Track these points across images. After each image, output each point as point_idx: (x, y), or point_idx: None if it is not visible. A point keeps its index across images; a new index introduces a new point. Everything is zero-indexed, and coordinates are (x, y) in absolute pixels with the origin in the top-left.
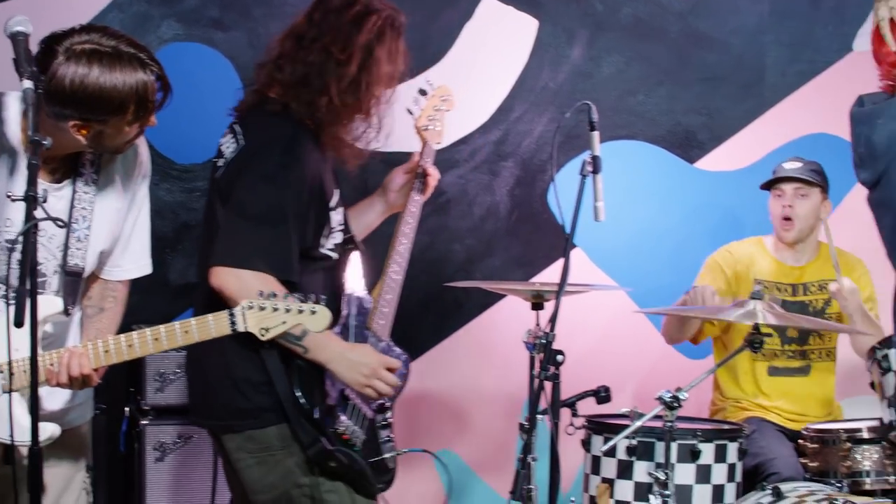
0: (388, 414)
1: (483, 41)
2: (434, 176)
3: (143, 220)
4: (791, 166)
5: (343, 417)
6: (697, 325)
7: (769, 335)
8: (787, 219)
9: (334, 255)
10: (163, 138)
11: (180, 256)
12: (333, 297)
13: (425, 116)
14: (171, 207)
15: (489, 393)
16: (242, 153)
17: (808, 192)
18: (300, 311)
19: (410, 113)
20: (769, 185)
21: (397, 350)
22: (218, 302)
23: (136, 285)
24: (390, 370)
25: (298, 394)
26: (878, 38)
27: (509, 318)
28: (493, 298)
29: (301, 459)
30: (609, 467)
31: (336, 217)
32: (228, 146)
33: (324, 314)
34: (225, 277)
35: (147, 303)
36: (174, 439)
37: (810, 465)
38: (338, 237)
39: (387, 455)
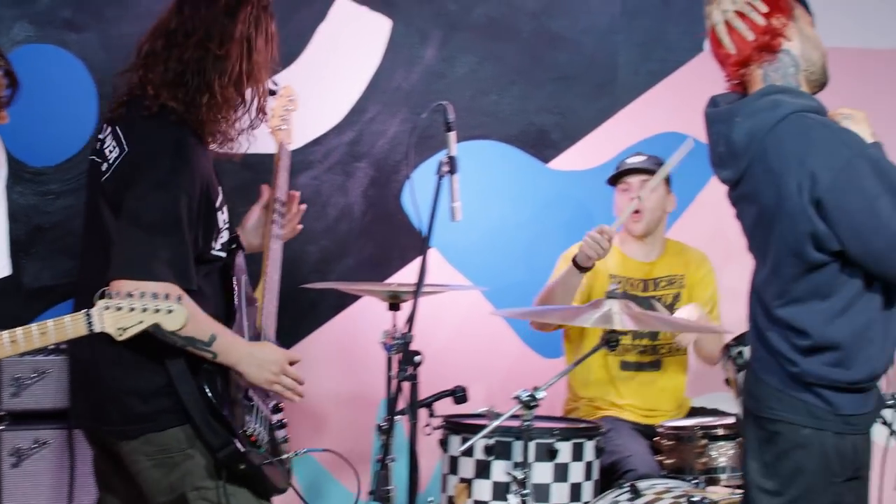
0: (281, 414)
1: (336, 42)
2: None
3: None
4: (634, 160)
5: (248, 418)
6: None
7: (624, 333)
8: (636, 211)
9: (224, 255)
10: (15, 140)
11: (34, 260)
12: (227, 297)
13: (277, 117)
14: (25, 210)
15: (345, 394)
16: (128, 160)
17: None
18: (157, 310)
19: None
20: (615, 180)
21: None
22: None
23: None
24: (292, 363)
25: (209, 395)
26: (715, 41)
27: (365, 319)
28: (348, 300)
29: (204, 462)
30: (467, 467)
31: (222, 217)
32: (112, 150)
33: (180, 312)
34: (128, 291)
35: (1, 306)
36: (31, 444)
37: (666, 462)
38: (225, 236)
39: (284, 456)
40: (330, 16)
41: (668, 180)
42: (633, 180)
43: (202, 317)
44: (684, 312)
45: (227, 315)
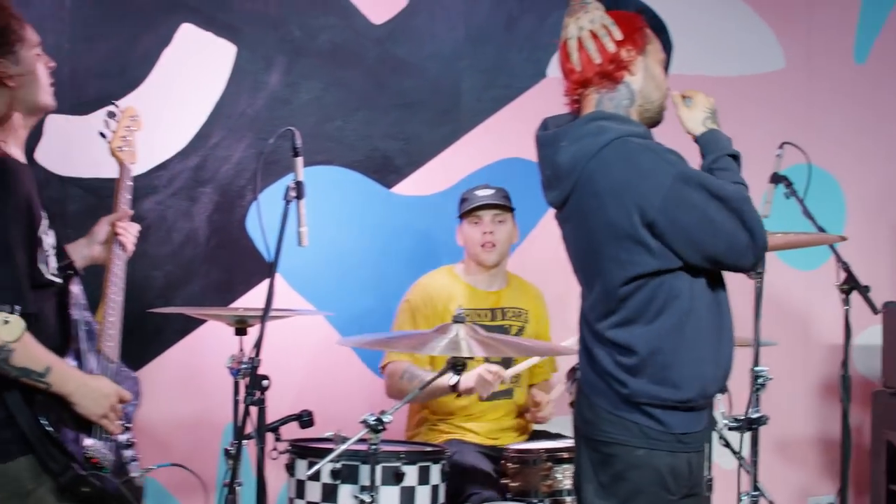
0: (130, 434)
1: (181, 67)
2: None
3: None
4: (485, 193)
5: (90, 441)
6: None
7: (471, 358)
8: (489, 244)
9: (58, 280)
10: None
11: None
12: (63, 323)
13: (118, 137)
14: None
15: (190, 419)
16: None
17: (504, 217)
18: None
19: (103, 136)
20: (467, 213)
21: (127, 371)
22: None
23: None
24: (122, 402)
25: (44, 422)
26: (565, 54)
27: (211, 344)
28: (193, 324)
29: (53, 488)
30: (314, 491)
31: (48, 240)
32: None
33: (17, 323)
34: None
35: None
36: None
37: (511, 484)
38: (52, 261)
39: (135, 474)
40: (175, 41)
41: (513, 215)
42: (486, 214)
43: (37, 348)
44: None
45: (62, 342)
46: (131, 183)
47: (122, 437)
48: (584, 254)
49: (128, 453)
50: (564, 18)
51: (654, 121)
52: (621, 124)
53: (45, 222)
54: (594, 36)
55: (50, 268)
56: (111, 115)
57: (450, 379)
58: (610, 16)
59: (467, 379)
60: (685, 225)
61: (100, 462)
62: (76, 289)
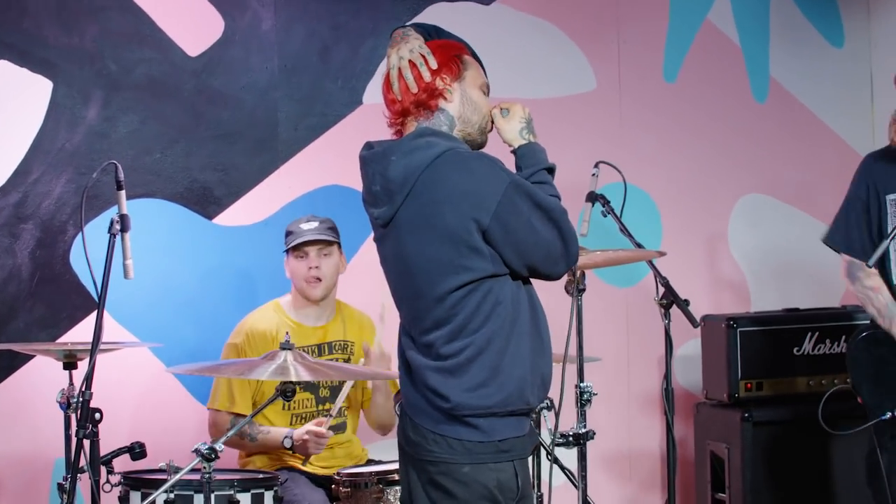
0: None
1: None
2: None
3: None
4: (309, 226)
5: None
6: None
7: (299, 384)
8: (316, 279)
9: None
10: None
11: None
12: None
13: None
14: None
15: (18, 455)
16: None
17: (329, 250)
18: None
19: None
20: (293, 249)
21: None
22: None
23: None
24: None
25: None
26: (387, 84)
27: (37, 380)
28: (19, 361)
29: None
30: None
31: None
32: None
33: None
34: None
35: None
36: None
37: None
38: None
39: None
40: None
41: (340, 245)
42: (311, 249)
43: None
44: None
45: None
46: None
47: None
48: (410, 266)
49: None
50: (388, 49)
51: (478, 143)
52: (448, 140)
53: None
54: (413, 65)
55: None
56: None
57: (284, 441)
58: (429, 45)
59: (299, 436)
60: (514, 231)
61: None
62: None
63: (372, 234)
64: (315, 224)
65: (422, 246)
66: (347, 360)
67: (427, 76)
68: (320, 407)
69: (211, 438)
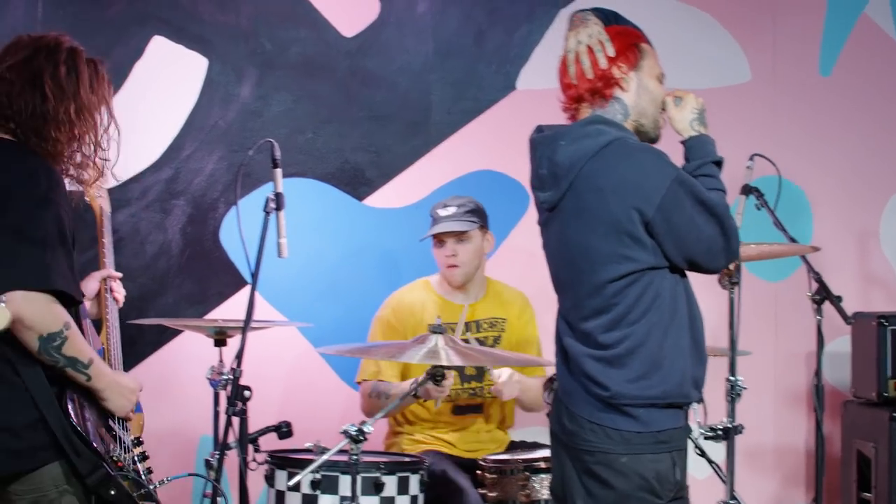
0: (143, 446)
1: (153, 79)
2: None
3: None
4: (446, 213)
5: (113, 446)
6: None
7: (450, 367)
8: (452, 266)
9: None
10: None
11: None
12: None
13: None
14: None
15: (165, 429)
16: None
17: (467, 236)
18: None
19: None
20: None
21: None
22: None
23: None
24: None
25: (74, 420)
26: (563, 67)
27: (184, 355)
28: (167, 336)
29: (78, 494)
30: (294, 502)
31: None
32: None
33: (3, 312)
34: (22, 302)
35: None
36: None
37: (489, 494)
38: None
39: (153, 486)
40: (147, 53)
41: (483, 224)
42: (448, 238)
43: (82, 339)
44: (504, 375)
45: None
46: (109, 224)
47: (137, 451)
48: (573, 252)
49: (141, 466)
50: (566, 32)
51: (650, 137)
52: (618, 130)
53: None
54: (590, 51)
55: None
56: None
57: (410, 388)
58: (608, 31)
59: (500, 374)
60: (676, 225)
61: (124, 467)
62: (84, 309)
63: (522, 218)
64: (453, 209)
65: (585, 233)
66: (498, 337)
67: (603, 63)
68: (465, 385)
69: (364, 410)
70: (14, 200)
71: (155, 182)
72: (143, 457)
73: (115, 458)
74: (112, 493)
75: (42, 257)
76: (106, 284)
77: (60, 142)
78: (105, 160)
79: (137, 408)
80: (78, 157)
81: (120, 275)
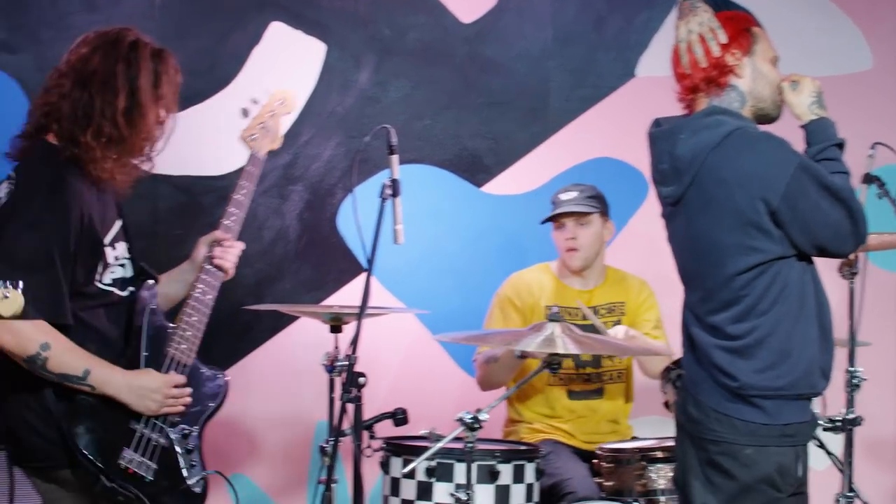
0: (192, 439)
1: (271, 65)
2: (228, 256)
3: None
4: (567, 197)
5: (126, 451)
6: (518, 368)
7: (567, 355)
8: (572, 249)
9: (115, 289)
10: None
11: None
12: (121, 330)
13: (253, 124)
14: None
15: (281, 415)
16: (9, 200)
17: (587, 220)
18: None
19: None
20: (550, 220)
21: (212, 372)
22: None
23: None
24: (176, 386)
25: (73, 433)
26: (676, 58)
27: (301, 341)
28: (284, 322)
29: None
30: (409, 489)
31: (113, 252)
32: (3, 192)
33: (15, 298)
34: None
35: None
36: None
37: (606, 484)
38: (118, 271)
39: (191, 481)
40: (265, 39)
41: (604, 211)
42: (568, 220)
43: (74, 352)
44: (616, 332)
45: (123, 347)
46: (258, 172)
47: (181, 445)
48: (699, 246)
49: (187, 459)
50: (676, 21)
51: (771, 117)
52: (737, 119)
53: (114, 233)
54: (702, 39)
55: (110, 277)
56: (254, 101)
57: (517, 351)
58: (718, 17)
59: (616, 334)
60: (802, 212)
61: (136, 472)
62: (146, 293)
63: (641, 207)
64: (574, 194)
65: (710, 227)
66: (618, 322)
67: (716, 51)
68: (580, 370)
69: (479, 381)
70: (8, 221)
71: (272, 168)
72: (189, 450)
73: (123, 466)
74: (120, 500)
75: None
76: (210, 251)
77: (95, 148)
78: (150, 157)
79: None
80: (117, 157)
81: (228, 236)
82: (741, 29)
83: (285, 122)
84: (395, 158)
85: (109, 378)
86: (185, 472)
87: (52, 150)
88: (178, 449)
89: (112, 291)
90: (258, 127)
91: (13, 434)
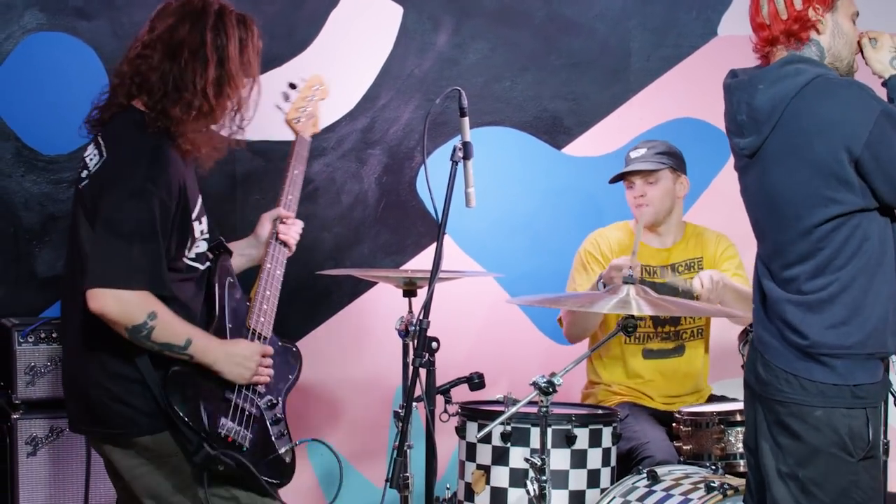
0: (278, 409)
1: (348, 29)
2: (291, 233)
3: None
4: (636, 154)
5: (224, 420)
6: (599, 319)
7: (642, 319)
8: (641, 205)
9: (198, 265)
10: (28, 129)
11: (48, 248)
12: (205, 305)
13: (295, 109)
14: (38, 199)
15: (360, 381)
16: (106, 167)
17: (655, 177)
18: None
19: (280, 109)
20: (618, 179)
21: (285, 345)
22: (97, 323)
23: (4, 278)
24: (265, 356)
25: (174, 404)
26: (756, 7)
27: (380, 306)
28: (363, 286)
29: (192, 467)
30: (484, 454)
31: (199, 227)
32: (92, 159)
33: None
34: (104, 300)
35: (16, 295)
36: (46, 433)
37: (684, 448)
38: (202, 246)
39: (282, 450)
40: (342, 2)
41: (675, 167)
42: (636, 178)
43: (177, 322)
44: (702, 276)
45: (207, 320)
46: (306, 154)
47: (269, 414)
48: (776, 198)
49: (275, 429)
50: None
51: (843, 74)
52: (816, 67)
53: (198, 208)
54: None
55: (194, 252)
56: (292, 86)
57: (598, 285)
58: None
59: (700, 281)
60: (885, 162)
61: (235, 441)
62: (226, 265)
63: (725, 167)
64: (643, 151)
65: (789, 177)
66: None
67: (798, 4)
68: (658, 329)
69: (565, 334)
70: (110, 189)
71: (350, 131)
72: (276, 420)
73: (223, 434)
74: (220, 469)
75: (127, 254)
76: (275, 227)
77: (186, 121)
78: (241, 127)
79: None
80: (206, 129)
81: (291, 214)
82: None
83: (322, 108)
84: (465, 121)
85: (208, 347)
86: (276, 442)
87: (144, 119)
88: (267, 418)
89: (196, 266)
90: (301, 111)
91: (99, 408)
